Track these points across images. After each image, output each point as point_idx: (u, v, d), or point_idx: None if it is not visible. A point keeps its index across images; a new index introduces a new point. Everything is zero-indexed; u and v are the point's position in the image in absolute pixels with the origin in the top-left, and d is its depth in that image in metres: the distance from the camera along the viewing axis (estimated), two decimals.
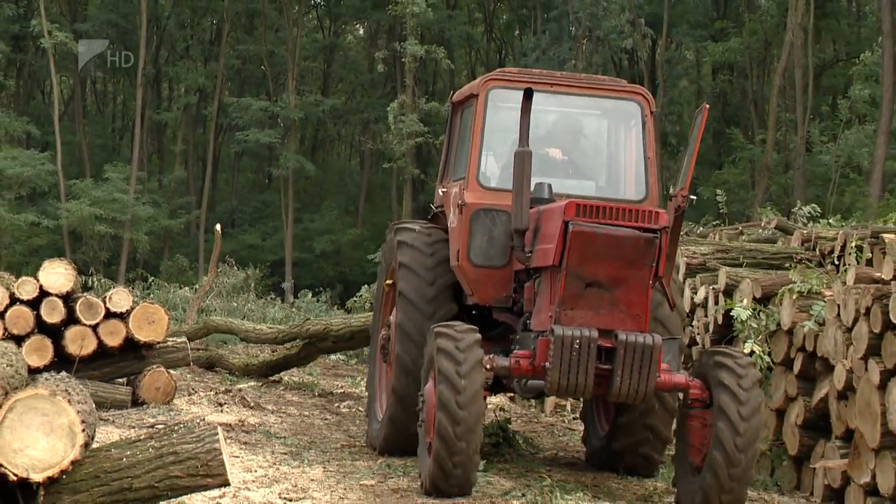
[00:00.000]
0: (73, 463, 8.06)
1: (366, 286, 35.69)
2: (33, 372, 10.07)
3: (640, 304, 11.12)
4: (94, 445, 8.60)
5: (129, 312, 16.20)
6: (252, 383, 19.44)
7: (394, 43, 57.86)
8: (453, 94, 14.30)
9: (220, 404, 16.46)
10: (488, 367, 11.09)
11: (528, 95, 11.50)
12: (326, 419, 16.69)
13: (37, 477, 7.97)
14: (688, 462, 11.36)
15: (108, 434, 12.20)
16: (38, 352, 15.65)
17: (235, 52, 64.15)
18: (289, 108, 58.49)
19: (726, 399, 10.84)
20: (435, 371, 10.97)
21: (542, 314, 11.50)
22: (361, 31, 71.65)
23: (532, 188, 12.03)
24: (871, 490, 12.30)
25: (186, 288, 38.16)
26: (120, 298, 16.34)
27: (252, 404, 16.69)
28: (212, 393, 17.29)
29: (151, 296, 34.44)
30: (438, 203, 13.94)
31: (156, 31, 63.99)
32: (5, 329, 15.62)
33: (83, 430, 8.08)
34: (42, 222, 54.17)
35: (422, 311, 12.91)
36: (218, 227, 29.11)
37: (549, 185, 12.44)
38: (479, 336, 11.06)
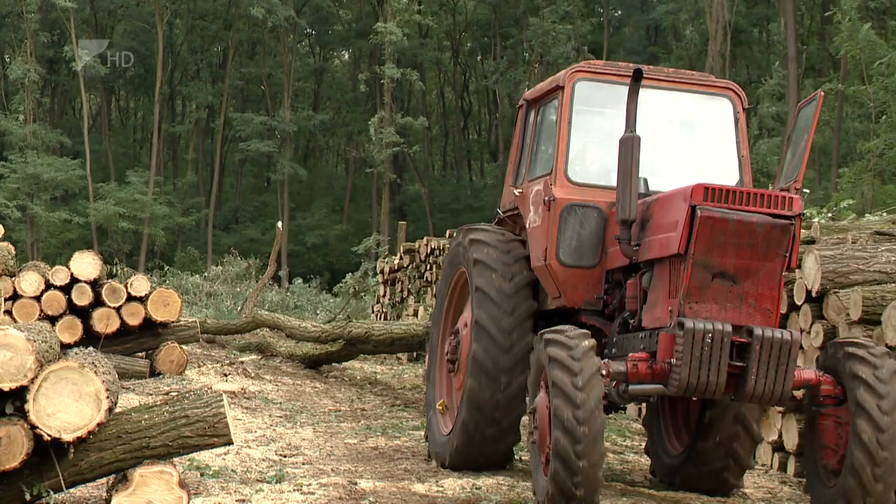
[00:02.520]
0: (98, 425, 8.04)
1: (350, 273, 35.64)
2: (65, 347, 10.05)
3: (772, 298, 8.91)
4: (117, 410, 8.57)
5: (147, 296, 16.22)
6: (253, 357, 19.39)
7: (374, 66, 57.91)
8: (526, 92, 11.64)
9: (225, 375, 16.42)
10: (604, 373, 8.76)
11: (637, 77, 9.30)
12: (316, 387, 16.66)
13: (67, 437, 7.94)
14: (822, 465, 9.14)
15: (128, 400, 12.16)
16: (69, 330, 15.65)
17: (239, 74, 64.10)
18: (284, 122, 58.55)
19: (864, 393, 8.67)
20: (547, 382, 8.72)
21: (658, 309, 9.24)
22: (347, 57, 71.53)
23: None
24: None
25: (197, 276, 38.10)
26: (140, 284, 16.34)
27: (252, 375, 16.64)
28: (218, 365, 17.24)
29: (167, 282, 34.37)
30: (508, 205, 11.32)
31: (171, 56, 63.80)
32: (41, 310, 15.61)
33: (107, 397, 8.06)
34: (73, 219, 54.44)
35: (501, 307, 10.40)
36: (279, 224, 28.95)
37: (646, 180, 10.01)
38: (594, 342, 8.72)
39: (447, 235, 23.40)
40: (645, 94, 9.79)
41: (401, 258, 26.44)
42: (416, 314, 22.97)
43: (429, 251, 24.44)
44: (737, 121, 10.77)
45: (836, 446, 8.96)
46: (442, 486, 10.36)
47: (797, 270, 11.56)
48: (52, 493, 8.29)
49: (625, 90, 9.53)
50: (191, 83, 65.76)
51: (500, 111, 61.83)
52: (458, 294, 11.50)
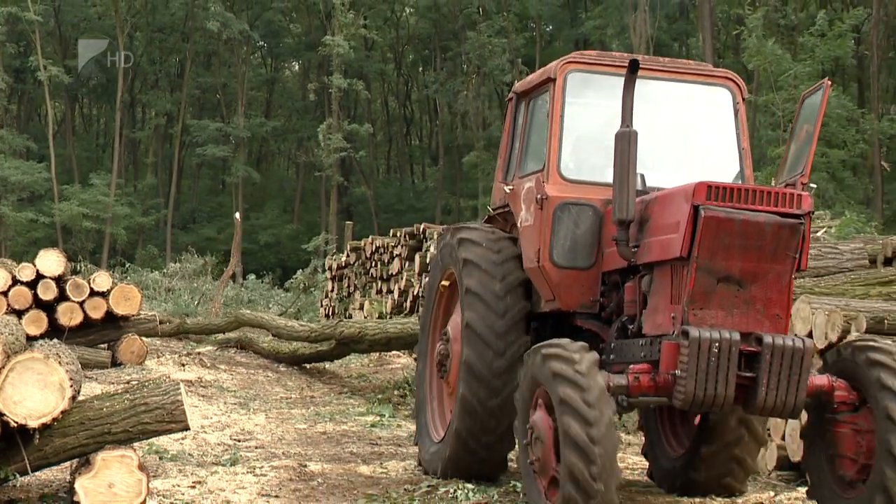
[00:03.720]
0: (62, 412, 7.98)
1: (300, 270, 35.56)
2: (31, 339, 9.95)
3: (781, 302, 7.81)
4: (80, 398, 8.51)
5: (109, 291, 16.13)
6: (209, 348, 19.28)
7: (322, 77, 57.87)
8: (515, 84, 10.30)
9: (183, 365, 16.33)
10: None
11: (633, 68, 8.23)
12: (268, 376, 16.60)
13: (33, 424, 7.88)
14: (836, 475, 7.94)
15: (91, 389, 12.07)
16: (35, 323, 15.52)
17: (196, 84, 63.79)
18: (239, 128, 58.40)
19: (891, 403, 7.44)
20: (546, 399, 7.66)
21: (660, 315, 8.09)
22: (297, 68, 71.31)
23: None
24: None
25: (156, 272, 37.90)
26: (102, 280, 16.24)
27: (208, 365, 16.56)
28: (176, 356, 17.15)
29: (128, 278, 34.10)
30: (499, 203, 10.10)
31: (131, 66, 63.36)
32: (8, 305, 15.49)
33: (71, 386, 8.00)
34: (39, 219, 54.19)
35: (493, 309, 9.26)
36: (237, 214, 28.36)
37: (643, 176, 8.89)
38: (596, 355, 7.66)
39: (391, 234, 23.39)
40: (640, 86, 8.74)
41: (348, 256, 26.42)
42: (361, 308, 22.94)
43: (374, 249, 24.44)
44: (736, 112, 9.61)
45: (855, 455, 7.78)
46: (386, 468, 10.36)
47: None
48: (18, 476, 8.23)
49: (619, 81, 8.59)
50: (150, 92, 65.54)
51: (440, 119, 61.91)
52: (447, 296, 10.30)
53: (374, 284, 24.05)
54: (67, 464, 8.62)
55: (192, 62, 63.00)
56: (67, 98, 65.22)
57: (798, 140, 8.59)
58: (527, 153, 9.75)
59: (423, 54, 65.37)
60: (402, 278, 22.03)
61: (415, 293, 21.04)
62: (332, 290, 27.33)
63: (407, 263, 22.17)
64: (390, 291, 22.66)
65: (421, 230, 22.12)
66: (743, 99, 9.62)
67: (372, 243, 24.71)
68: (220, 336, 21.66)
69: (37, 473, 8.60)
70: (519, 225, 9.39)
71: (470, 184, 55.36)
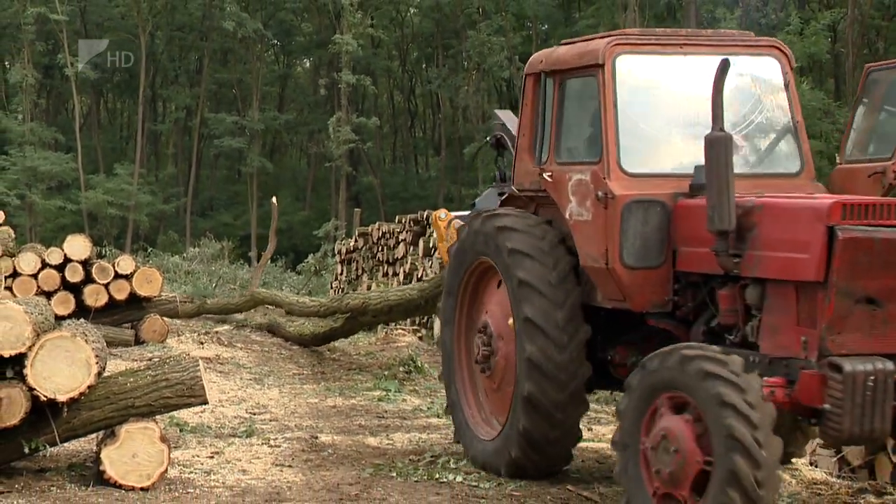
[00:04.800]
0: (89, 387, 7.99)
1: (312, 254, 35.57)
2: (59, 319, 9.96)
3: None
4: (105, 374, 8.53)
5: (132, 274, 16.12)
6: (226, 327, 19.26)
7: (332, 73, 57.79)
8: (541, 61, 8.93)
9: (202, 343, 16.34)
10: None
11: (724, 67, 7.26)
12: (282, 354, 16.61)
13: (61, 398, 7.89)
14: None
15: (115, 366, 12.07)
16: (63, 304, 15.53)
17: (213, 79, 63.68)
18: (253, 121, 58.34)
19: None
20: (674, 404, 6.72)
21: (783, 336, 7.11)
22: (308, 64, 71.14)
23: (690, 171, 7.96)
24: None
25: (177, 256, 37.90)
26: (126, 264, 16.25)
27: (226, 343, 16.56)
28: (195, 335, 17.15)
29: (150, 262, 34.06)
30: (528, 186, 8.94)
31: (153, 63, 63.26)
32: (38, 287, 15.50)
33: (97, 363, 8.01)
34: (66, 207, 54.33)
35: (551, 300, 8.30)
36: (274, 199, 28.03)
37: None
38: (760, 380, 6.64)
39: (396, 220, 23.36)
40: (684, 62, 8.06)
41: (356, 241, 26.41)
42: (369, 289, 22.87)
43: (380, 234, 24.42)
44: (787, 83, 8.53)
45: None
46: (392, 440, 10.38)
47: None
48: (48, 447, 8.27)
49: (668, 60, 8.00)
50: (170, 87, 65.42)
51: (443, 112, 61.76)
52: (474, 286, 9.34)
53: (380, 268, 24.04)
54: (94, 435, 8.65)
55: (209, 59, 62.89)
56: (93, 93, 65.20)
57: (871, 117, 7.84)
58: (562, 137, 8.71)
59: (426, 52, 65.19)
60: (406, 262, 22.03)
61: (418, 275, 21.04)
62: (341, 273, 27.32)
63: (411, 248, 22.16)
64: (396, 274, 22.65)
65: (425, 217, 22.12)
66: (791, 68, 8.60)
67: (378, 229, 24.69)
68: (253, 322, 21.02)
69: (65, 444, 8.62)
70: (568, 217, 8.37)
71: (471, 173, 55.27)
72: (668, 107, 8.08)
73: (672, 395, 6.69)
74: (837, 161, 8.40)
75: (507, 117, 11.53)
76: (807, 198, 7.31)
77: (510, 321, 8.66)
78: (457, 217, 10.89)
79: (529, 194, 9.01)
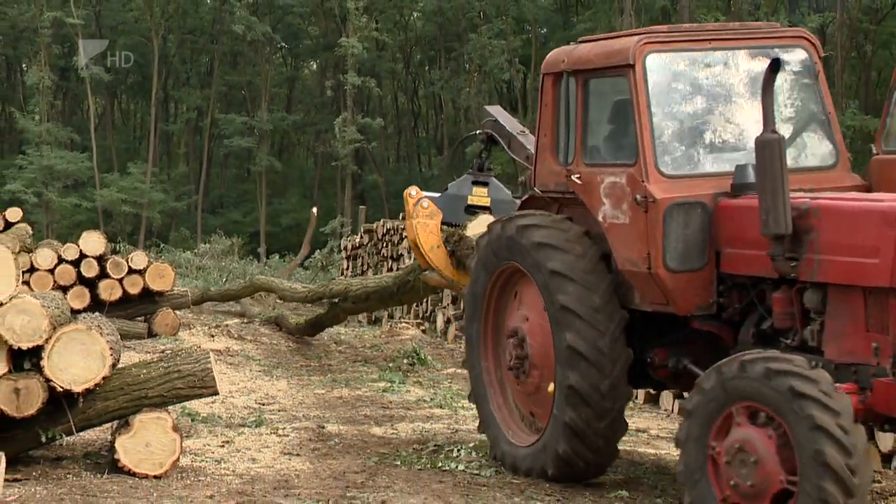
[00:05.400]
0: (104, 379, 8.00)
1: (319, 250, 35.53)
2: (75, 313, 9.96)
3: None
4: (119, 366, 8.52)
5: (145, 269, 16.13)
6: (236, 321, 19.26)
7: (338, 75, 57.78)
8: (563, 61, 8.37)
9: (212, 336, 16.33)
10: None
11: (774, 68, 6.88)
12: (290, 346, 16.61)
13: (77, 389, 7.90)
14: None
15: (129, 357, 12.08)
16: (78, 298, 15.53)
17: (223, 81, 63.67)
18: (262, 121, 58.31)
19: None
20: (751, 414, 6.36)
21: (849, 342, 6.77)
22: (315, 66, 71.11)
23: (728, 170, 7.65)
24: None
25: (188, 252, 37.91)
26: (139, 259, 16.25)
27: (236, 336, 16.56)
28: (206, 328, 17.15)
29: (162, 257, 34.06)
30: (553, 187, 8.53)
31: (165, 65, 63.26)
32: (55, 281, 15.51)
33: (111, 355, 8.01)
34: (82, 204, 54.45)
35: (586, 289, 7.89)
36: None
37: (754, 167, 7.29)
38: (850, 399, 6.25)
39: (401, 218, 23.34)
40: (714, 57, 7.74)
41: (361, 237, 26.38)
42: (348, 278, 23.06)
43: (385, 231, 24.41)
44: (816, 73, 8.11)
45: None
46: (396, 430, 10.38)
47: None
48: (64, 436, 8.28)
49: (698, 56, 7.71)
50: (182, 88, 65.40)
51: (445, 113, 61.77)
52: (500, 291, 8.85)
53: (385, 263, 24.02)
54: (108, 425, 8.65)
55: (220, 62, 62.91)
56: (107, 94, 65.20)
57: None
58: (590, 138, 8.31)
59: (429, 54, 65.14)
60: (410, 257, 22.02)
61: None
62: (347, 269, 27.30)
63: None
64: (400, 269, 22.64)
65: None
66: (820, 58, 8.18)
67: (383, 226, 24.68)
68: (264, 315, 20.92)
69: (81, 434, 8.63)
70: (602, 221, 7.95)
71: None
72: (701, 104, 7.81)
73: (750, 405, 6.33)
74: (874, 152, 8.06)
75: (499, 113, 11.46)
76: (868, 200, 6.94)
77: (550, 387, 8.19)
78: (426, 197, 10.89)
79: (553, 195, 8.61)
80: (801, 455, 6.03)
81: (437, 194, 11.20)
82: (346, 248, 27.84)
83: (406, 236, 22.47)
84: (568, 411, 7.85)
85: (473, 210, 11.14)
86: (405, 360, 14.86)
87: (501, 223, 8.58)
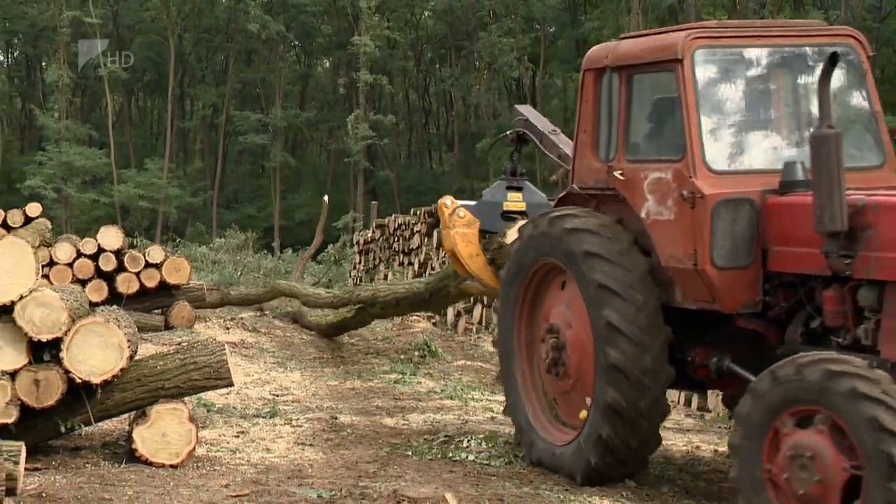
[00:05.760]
0: (121, 370, 8.01)
1: (331, 245, 35.55)
2: (93, 306, 9.98)
3: None
4: (137, 358, 8.54)
5: (162, 263, 16.12)
6: (250, 314, 19.27)
7: (351, 73, 57.78)
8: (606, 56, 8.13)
9: (227, 328, 16.35)
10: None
11: (832, 61, 6.69)
12: (303, 339, 16.62)
13: (95, 380, 7.91)
14: None
15: (146, 349, 12.10)
16: (96, 291, 15.54)
17: (238, 79, 63.76)
18: (276, 118, 58.42)
19: None
20: (817, 419, 6.08)
21: None
22: (328, 64, 71.10)
23: (775, 166, 7.41)
24: None
25: (204, 246, 37.98)
26: (156, 253, 16.25)
27: (250, 328, 16.57)
28: (221, 321, 17.16)
29: (178, 252, 34.11)
30: (592, 183, 8.26)
31: (181, 63, 63.32)
32: (73, 275, 15.52)
33: (129, 347, 8.02)
34: (100, 199, 54.63)
35: (631, 303, 7.57)
36: (325, 198, 27.68)
37: (803, 164, 7.22)
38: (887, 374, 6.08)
39: (412, 213, 23.35)
40: (762, 54, 7.49)
41: (373, 232, 26.42)
42: (385, 278, 22.84)
43: (396, 226, 24.42)
44: (864, 72, 7.86)
45: None
46: (407, 420, 10.39)
47: None
48: (83, 426, 8.29)
49: (746, 53, 7.50)
50: (198, 86, 65.52)
51: (455, 110, 61.71)
52: (536, 287, 8.57)
53: (396, 258, 24.04)
54: (126, 415, 8.67)
55: (234, 59, 62.99)
56: (125, 92, 65.36)
57: None
58: (632, 134, 8.07)
59: (439, 52, 65.11)
60: (421, 252, 22.04)
61: (432, 265, 21.04)
62: (359, 263, 27.33)
63: (426, 239, 22.17)
64: (411, 264, 22.66)
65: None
66: (868, 56, 7.92)
67: (395, 221, 24.69)
68: (279, 310, 20.62)
69: (99, 424, 8.65)
70: (644, 217, 7.71)
71: (482, 168, 55.22)
72: (748, 100, 7.60)
73: (804, 409, 6.10)
74: None
75: (530, 112, 11.06)
76: None
77: (581, 414, 7.97)
78: (462, 206, 10.46)
79: (592, 192, 8.30)
80: (867, 457, 5.82)
81: (471, 202, 10.76)
82: (358, 243, 27.86)
83: (417, 231, 22.57)
84: (610, 390, 7.54)
85: (510, 216, 10.65)
86: (416, 353, 14.86)
87: (544, 221, 8.26)
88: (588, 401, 7.95)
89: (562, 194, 8.76)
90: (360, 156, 54.01)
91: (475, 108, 57.66)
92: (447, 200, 10.45)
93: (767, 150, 7.67)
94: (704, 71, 7.54)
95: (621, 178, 7.89)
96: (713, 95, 7.60)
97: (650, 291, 7.63)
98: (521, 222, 9.74)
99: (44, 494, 7.16)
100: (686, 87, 7.43)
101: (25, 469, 7.40)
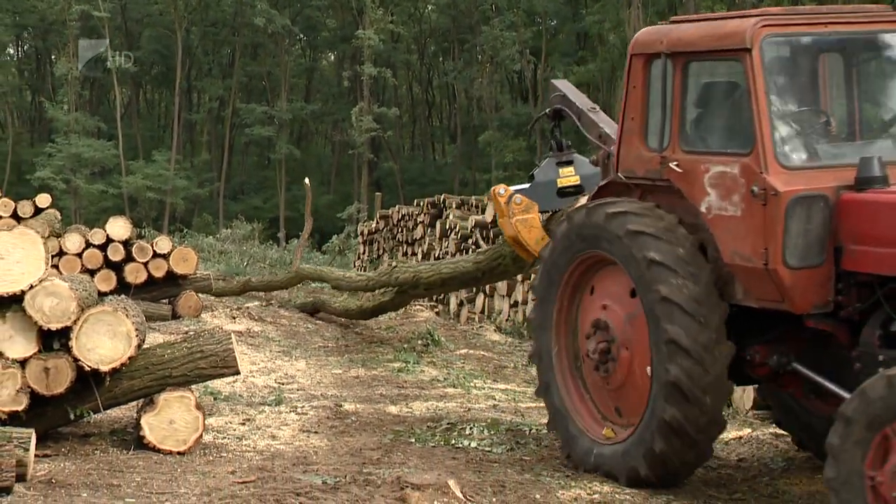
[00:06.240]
0: (129, 358, 8.01)
1: (336, 235, 35.60)
2: (102, 295, 9.98)
3: None
4: (145, 346, 8.54)
5: (169, 253, 16.12)
6: (256, 303, 19.27)
7: (355, 66, 57.76)
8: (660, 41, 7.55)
9: (234, 317, 16.35)
10: None
11: None
12: (308, 327, 16.61)
13: (104, 368, 7.92)
14: None
15: (154, 338, 12.10)
16: (105, 281, 15.55)
17: (244, 72, 63.71)
18: (282, 111, 58.40)
19: None
20: None
21: None
22: (332, 57, 71.04)
23: (849, 161, 6.95)
24: None
25: (210, 237, 37.99)
26: (163, 243, 16.25)
27: (256, 317, 16.56)
28: (228, 310, 17.16)
29: (185, 242, 34.13)
30: (642, 174, 7.69)
31: (188, 56, 63.29)
32: (82, 265, 15.51)
33: (137, 336, 8.03)
34: (108, 191, 54.70)
35: (685, 277, 7.08)
36: (307, 180, 27.39)
37: (880, 159, 6.80)
38: None
39: (415, 204, 23.37)
40: (830, 41, 7.01)
41: (377, 223, 26.45)
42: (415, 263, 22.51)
43: (400, 217, 24.46)
44: None
45: None
46: (411, 408, 10.38)
47: None
48: (91, 413, 8.30)
49: (817, 40, 7.04)
50: (204, 79, 65.45)
51: (458, 102, 61.77)
52: (579, 276, 7.97)
53: (400, 248, 24.07)
54: (134, 403, 8.67)
55: (240, 53, 62.95)
56: (133, 84, 65.28)
57: None
58: (688, 124, 7.54)
59: (443, 46, 65.03)
60: (424, 242, 22.06)
61: (435, 255, 21.05)
62: (363, 253, 27.37)
63: (429, 229, 22.19)
64: (414, 254, 22.68)
65: (441, 200, 22.16)
66: None
67: (398, 212, 24.72)
68: (298, 300, 19.77)
69: (107, 412, 8.66)
70: (705, 212, 7.20)
71: (484, 159, 55.21)
72: (820, 90, 7.11)
73: None
74: None
75: (568, 88, 10.42)
76: None
77: (606, 432, 7.70)
78: (517, 191, 9.75)
79: (638, 182, 7.76)
80: None
81: (525, 186, 10.07)
82: (362, 234, 27.91)
83: (421, 221, 22.55)
84: (668, 408, 7.05)
85: (566, 192, 10.10)
86: (419, 342, 14.86)
87: (584, 210, 7.79)
88: (624, 410, 7.59)
89: (603, 182, 8.26)
90: (364, 148, 54.00)
91: (477, 101, 57.62)
92: (500, 189, 9.81)
93: (840, 144, 7.27)
94: (774, 60, 7.04)
95: (678, 169, 7.36)
96: (784, 86, 7.14)
97: (715, 306, 7.12)
98: (582, 198, 9.25)
99: (53, 480, 7.18)
100: (755, 78, 6.87)
101: (35, 455, 7.42)
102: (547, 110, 10.27)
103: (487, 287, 17.22)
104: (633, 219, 7.37)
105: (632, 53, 7.87)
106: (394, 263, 19.76)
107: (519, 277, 16.10)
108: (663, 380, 7.08)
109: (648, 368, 7.35)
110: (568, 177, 10.15)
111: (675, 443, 7.14)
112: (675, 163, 7.36)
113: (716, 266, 7.20)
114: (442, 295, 19.09)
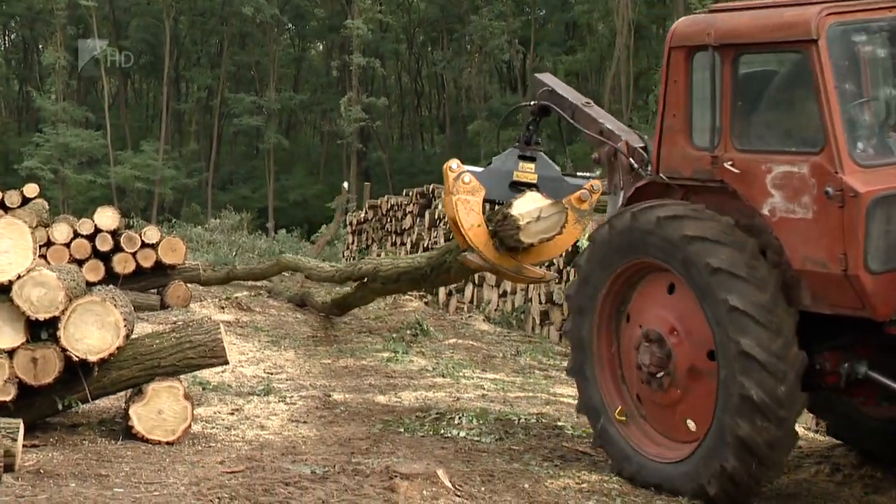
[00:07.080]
0: (118, 349, 8.00)
1: (325, 225, 35.56)
2: (90, 285, 9.96)
3: None
4: (133, 336, 8.53)
5: (158, 244, 16.13)
6: (245, 293, 19.24)
7: (344, 56, 57.68)
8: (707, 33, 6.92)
9: (222, 307, 16.33)
10: None
11: None
12: (297, 318, 16.61)
13: (92, 358, 7.91)
14: None
15: (142, 328, 12.09)
16: (93, 271, 15.55)
17: (233, 62, 63.62)
18: (270, 101, 58.33)
19: None
20: None
21: None
22: (321, 47, 70.93)
23: None
24: None
25: (199, 227, 37.94)
26: (152, 234, 16.25)
27: (245, 308, 16.55)
28: (216, 300, 17.15)
29: (174, 232, 34.07)
30: (690, 174, 7.15)
31: (176, 46, 63.14)
32: (70, 255, 15.52)
33: (125, 326, 8.02)
34: (96, 181, 54.63)
35: (754, 285, 6.54)
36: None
37: None
38: None
39: (404, 194, 23.36)
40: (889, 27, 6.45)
41: (366, 213, 26.44)
42: (378, 257, 22.76)
43: (389, 207, 24.44)
44: None
45: None
46: (399, 398, 10.39)
47: None
48: (80, 404, 8.29)
49: (886, 28, 6.57)
50: (193, 68, 65.38)
51: (447, 92, 61.75)
52: (624, 283, 7.42)
53: (389, 238, 24.06)
54: (123, 393, 8.66)
55: (229, 42, 62.83)
56: (121, 74, 65.12)
57: None
58: (741, 120, 6.94)
59: (431, 36, 64.99)
60: (413, 232, 22.05)
61: (424, 245, 21.05)
62: (352, 243, 27.36)
63: (418, 219, 22.18)
64: (403, 244, 22.68)
65: (430, 190, 22.14)
66: None
67: (387, 202, 24.71)
68: (289, 293, 20.15)
69: (96, 402, 8.66)
70: (769, 214, 6.68)
71: (473, 149, 55.18)
72: (891, 82, 6.68)
73: None
74: None
75: (555, 83, 9.95)
76: None
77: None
78: (469, 171, 9.35)
79: (684, 182, 7.24)
80: None
81: (480, 168, 9.69)
82: (351, 223, 27.89)
83: (409, 211, 22.55)
84: (742, 424, 6.55)
85: (519, 187, 9.58)
86: (408, 331, 14.87)
87: (628, 214, 7.20)
88: (691, 423, 7.08)
89: (641, 183, 7.65)
90: (353, 138, 53.97)
91: (466, 91, 57.60)
92: (453, 164, 9.40)
93: None
94: (843, 51, 6.51)
95: (734, 170, 6.81)
96: (854, 79, 6.61)
97: (785, 314, 6.62)
98: (530, 194, 8.99)
99: (42, 470, 7.17)
100: (824, 71, 6.34)
101: (24, 446, 7.40)
102: (531, 104, 9.85)
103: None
104: (689, 223, 6.83)
105: (671, 46, 7.24)
106: (382, 254, 19.81)
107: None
108: (736, 394, 6.56)
109: (690, 422, 7.00)
110: (526, 172, 9.67)
111: (748, 460, 6.62)
112: (730, 162, 6.85)
113: (780, 271, 6.73)
114: None
